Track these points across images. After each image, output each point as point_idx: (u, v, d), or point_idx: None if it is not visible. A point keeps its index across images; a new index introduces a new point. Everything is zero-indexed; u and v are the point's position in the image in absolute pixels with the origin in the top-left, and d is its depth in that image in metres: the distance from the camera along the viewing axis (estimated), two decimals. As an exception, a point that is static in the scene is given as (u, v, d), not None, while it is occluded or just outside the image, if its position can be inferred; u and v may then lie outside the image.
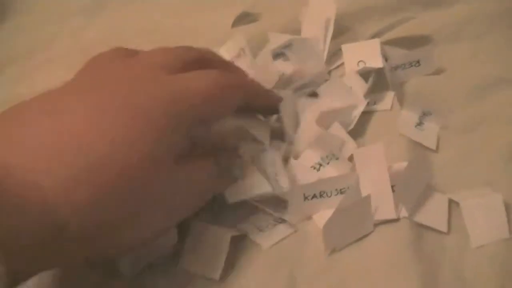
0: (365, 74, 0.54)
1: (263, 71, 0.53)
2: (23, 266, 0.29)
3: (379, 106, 0.54)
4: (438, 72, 0.56)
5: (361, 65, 0.53)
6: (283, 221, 0.47)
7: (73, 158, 0.33)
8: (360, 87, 0.52)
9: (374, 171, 0.47)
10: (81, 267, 0.42)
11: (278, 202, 0.47)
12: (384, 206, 0.46)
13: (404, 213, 0.46)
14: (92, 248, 0.35)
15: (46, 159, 0.32)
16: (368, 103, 0.52)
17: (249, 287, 0.44)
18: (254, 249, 0.46)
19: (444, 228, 0.46)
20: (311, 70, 0.54)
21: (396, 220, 0.46)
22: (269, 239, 0.46)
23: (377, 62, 0.53)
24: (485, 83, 0.55)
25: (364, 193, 0.46)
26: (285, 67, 0.55)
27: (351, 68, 0.54)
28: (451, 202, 0.48)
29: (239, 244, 0.46)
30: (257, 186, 0.46)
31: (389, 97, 0.54)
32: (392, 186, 0.47)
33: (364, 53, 0.54)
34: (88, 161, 0.33)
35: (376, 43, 0.55)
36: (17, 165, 0.31)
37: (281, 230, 0.46)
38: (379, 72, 0.54)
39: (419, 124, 0.51)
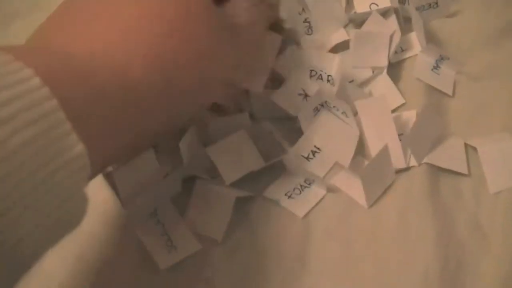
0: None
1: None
2: (99, 149, 0.29)
3: (408, 53, 0.52)
4: (456, 14, 0.54)
5: (374, 7, 0.51)
6: (309, 183, 0.46)
7: (138, 28, 0.32)
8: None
9: (379, 122, 0.46)
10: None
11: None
12: (393, 156, 0.45)
13: (414, 161, 0.46)
14: (160, 114, 0.35)
15: (117, 32, 0.32)
16: (396, 52, 0.51)
17: (261, 245, 0.44)
18: (263, 211, 0.45)
19: (464, 170, 0.46)
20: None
21: (410, 168, 0.46)
22: (303, 206, 0.45)
23: (387, 2, 0.51)
24: (504, 28, 0.53)
25: (370, 144, 0.46)
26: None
27: (362, 10, 0.52)
28: (467, 147, 0.47)
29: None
30: (251, 160, 0.45)
31: (415, 41, 0.52)
32: (400, 135, 0.46)
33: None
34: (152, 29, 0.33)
35: None
36: (87, 40, 0.31)
37: (313, 194, 0.46)
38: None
39: (436, 67, 0.50)
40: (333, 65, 0.48)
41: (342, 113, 0.45)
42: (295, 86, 0.46)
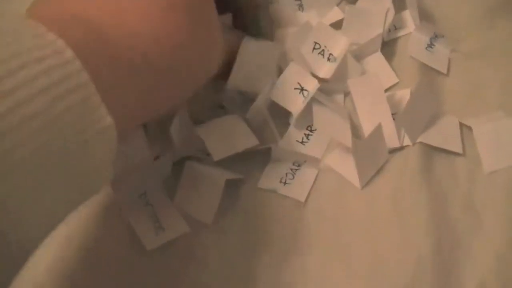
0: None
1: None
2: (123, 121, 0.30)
3: (401, 32, 0.51)
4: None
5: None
6: (298, 165, 0.45)
7: None
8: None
9: (371, 100, 0.45)
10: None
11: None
12: (386, 135, 0.44)
13: (408, 141, 0.45)
14: (169, 79, 0.34)
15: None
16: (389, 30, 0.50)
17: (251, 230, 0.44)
18: (254, 192, 0.45)
19: (459, 149, 0.45)
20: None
21: (404, 147, 0.45)
22: (301, 190, 0.44)
23: None
24: (499, 6, 0.52)
25: (363, 123, 0.45)
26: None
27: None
28: (462, 127, 0.46)
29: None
30: (243, 139, 0.44)
31: (409, 19, 0.51)
32: (394, 114, 0.45)
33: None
34: None
35: None
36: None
37: (306, 176, 0.45)
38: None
39: (430, 45, 0.49)
40: (338, 44, 0.47)
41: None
42: (291, 80, 0.45)
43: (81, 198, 0.28)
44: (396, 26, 0.51)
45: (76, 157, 0.25)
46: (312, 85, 0.44)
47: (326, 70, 0.46)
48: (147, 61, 0.31)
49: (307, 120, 0.45)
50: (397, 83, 0.48)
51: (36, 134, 0.23)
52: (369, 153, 0.44)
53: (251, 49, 0.43)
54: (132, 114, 0.31)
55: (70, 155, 0.25)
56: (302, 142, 0.44)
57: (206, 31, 0.36)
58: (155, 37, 0.32)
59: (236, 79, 0.43)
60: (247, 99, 0.45)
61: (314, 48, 0.47)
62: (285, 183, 0.44)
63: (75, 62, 0.25)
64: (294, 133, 0.45)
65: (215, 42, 0.37)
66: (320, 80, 0.46)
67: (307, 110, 0.44)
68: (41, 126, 0.23)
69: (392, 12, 0.49)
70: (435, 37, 0.49)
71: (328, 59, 0.47)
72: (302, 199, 0.44)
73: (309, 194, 0.44)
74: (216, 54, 0.38)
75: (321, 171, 0.45)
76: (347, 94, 0.47)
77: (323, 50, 0.47)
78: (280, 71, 0.45)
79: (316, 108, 0.44)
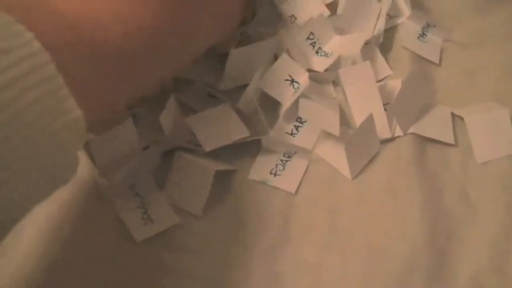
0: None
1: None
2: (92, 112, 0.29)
3: (394, 21, 0.51)
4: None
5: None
6: (288, 156, 0.45)
7: None
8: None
9: (363, 91, 0.45)
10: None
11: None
12: (378, 126, 0.44)
13: (399, 131, 0.45)
14: (146, 64, 0.35)
15: None
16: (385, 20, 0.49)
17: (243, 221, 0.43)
18: (245, 183, 0.44)
19: (451, 140, 0.45)
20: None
21: (396, 138, 0.45)
22: (292, 181, 0.44)
23: None
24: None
25: (354, 113, 0.45)
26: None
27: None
28: (454, 117, 0.46)
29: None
30: (234, 130, 0.44)
31: (401, 9, 0.51)
32: (386, 104, 0.45)
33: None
34: None
35: None
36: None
37: (297, 166, 0.44)
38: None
39: (422, 35, 0.49)
40: (331, 41, 0.47)
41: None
42: (282, 71, 0.44)
43: (49, 188, 0.27)
44: (390, 15, 0.50)
45: (44, 149, 0.25)
46: (303, 78, 0.44)
47: (320, 63, 0.46)
48: (120, 49, 0.31)
49: (297, 111, 0.44)
50: (390, 74, 0.48)
51: (4, 126, 0.23)
52: (360, 143, 0.43)
53: (241, 56, 0.43)
54: (111, 99, 0.32)
55: (38, 147, 0.25)
56: (292, 134, 0.44)
57: (188, 14, 0.36)
58: (126, 25, 0.32)
59: (227, 83, 0.43)
60: (238, 87, 0.45)
61: (308, 38, 0.46)
62: (275, 174, 0.44)
63: (43, 54, 0.25)
64: (284, 124, 0.44)
65: (200, 24, 0.37)
66: (310, 70, 0.46)
67: (297, 102, 0.44)
68: (9, 118, 0.23)
69: (388, 1, 0.49)
70: (427, 26, 0.49)
71: (317, 52, 0.47)
72: (293, 191, 0.43)
73: (300, 185, 0.44)
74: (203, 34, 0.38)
75: (311, 162, 0.44)
76: (338, 83, 0.46)
77: (315, 42, 0.47)
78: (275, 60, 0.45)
79: (302, 101, 0.43)
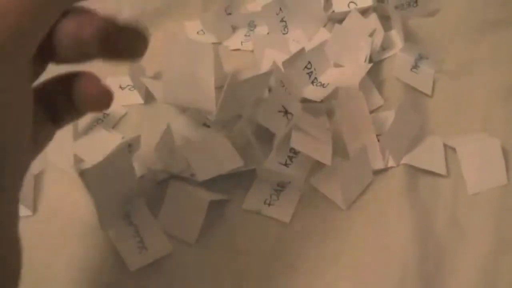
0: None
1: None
2: None
3: (387, 53, 0.52)
4: (435, 13, 0.54)
5: (352, 6, 0.51)
6: (282, 186, 0.45)
7: None
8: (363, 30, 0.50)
9: (356, 121, 0.45)
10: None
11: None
12: (371, 156, 0.44)
13: (392, 162, 0.45)
14: None
15: None
16: (378, 52, 0.51)
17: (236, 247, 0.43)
18: (238, 212, 0.45)
19: (443, 171, 0.45)
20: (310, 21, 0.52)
21: (389, 169, 0.45)
22: (286, 210, 0.44)
23: (366, 1, 0.51)
24: (482, 26, 0.53)
25: (348, 144, 0.45)
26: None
27: (341, 9, 0.52)
28: (446, 147, 0.46)
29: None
30: (228, 160, 0.44)
31: (394, 40, 0.52)
32: (378, 135, 0.45)
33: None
34: None
35: None
36: None
37: (290, 197, 0.45)
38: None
39: (415, 67, 0.50)
40: (326, 73, 0.48)
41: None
42: (276, 103, 0.45)
43: None
44: (383, 47, 0.51)
45: None
46: (296, 109, 0.44)
47: (315, 93, 0.47)
48: None
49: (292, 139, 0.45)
50: (382, 105, 0.48)
51: None
52: (354, 174, 0.44)
53: (236, 89, 0.43)
54: None
55: None
56: (285, 164, 0.45)
57: None
58: None
59: (221, 114, 0.44)
60: (232, 118, 0.46)
61: (305, 67, 0.47)
62: (269, 204, 0.44)
63: None
64: (278, 154, 0.45)
65: None
66: (305, 100, 0.46)
67: (291, 132, 0.44)
68: None
69: (381, 33, 0.50)
70: (420, 58, 0.50)
71: (312, 82, 0.47)
72: (287, 220, 0.44)
73: (293, 215, 0.44)
74: None
75: (305, 192, 0.45)
76: (331, 114, 0.47)
77: (311, 71, 0.47)
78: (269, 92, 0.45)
79: (295, 132, 0.44)
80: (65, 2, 0.28)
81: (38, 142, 0.31)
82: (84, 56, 0.30)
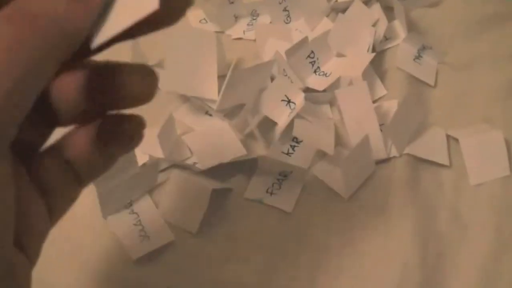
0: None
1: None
2: None
3: (390, 43, 0.51)
4: (437, 4, 0.53)
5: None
6: (284, 175, 0.45)
7: None
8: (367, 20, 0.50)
9: (359, 111, 0.45)
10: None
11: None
12: (373, 146, 0.44)
13: (395, 152, 0.45)
14: None
15: None
16: (381, 42, 0.51)
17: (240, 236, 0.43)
18: (241, 202, 0.45)
19: (445, 161, 0.45)
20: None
21: (391, 158, 0.45)
22: (288, 200, 0.44)
23: None
24: (485, 18, 0.52)
25: (350, 134, 0.45)
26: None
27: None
28: (449, 138, 0.46)
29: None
30: (231, 149, 0.44)
31: (397, 31, 0.52)
32: (381, 125, 0.45)
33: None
34: None
35: None
36: None
37: (293, 186, 0.45)
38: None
39: (418, 57, 0.49)
40: (329, 62, 0.48)
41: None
42: (278, 92, 0.45)
43: None
44: (386, 37, 0.51)
45: None
46: (299, 98, 0.44)
47: (318, 82, 0.47)
48: None
49: (295, 128, 0.45)
50: (385, 94, 0.48)
51: None
52: (356, 164, 0.43)
53: (239, 77, 0.43)
54: None
55: None
56: (288, 153, 0.44)
57: None
58: None
59: (224, 103, 0.43)
60: (235, 107, 0.45)
61: (308, 56, 0.47)
62: (271, 193, 0.44)
63: None
64: (280, 144, 0.45)
65: None
66: (308, 89, 0.46)
67: (293, 122, 0.44)
68: None
69: (384, 22, 0.50)
70: (423, 48, 0.50)
71: (315, 71, 0.47)
72: (289, 210, 0.44)
73: (296, 204, 0.44)
74: None
75: (307, 182, 0.45)
76: (334, 103, 0.47)
77: (314, 61, 0.47)
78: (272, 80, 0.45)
79: (297, 121, 0.44)
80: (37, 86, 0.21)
81: (55, 211, 0.26)
82: (90, 113, 0.25)
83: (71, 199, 0.27)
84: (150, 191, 0.44)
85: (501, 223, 0.43)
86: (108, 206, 0.42)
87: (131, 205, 0.43)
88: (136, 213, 0.43)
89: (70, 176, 0.26)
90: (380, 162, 0.45)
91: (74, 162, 0.25)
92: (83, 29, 0.21)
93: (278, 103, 0.44)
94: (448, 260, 0.42)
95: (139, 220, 0.43)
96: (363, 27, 0.49)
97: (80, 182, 0.27)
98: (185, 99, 0.47)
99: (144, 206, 0.43)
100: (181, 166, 0.44)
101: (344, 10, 0.50)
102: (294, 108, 0.44)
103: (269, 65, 0.45)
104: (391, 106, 0.47)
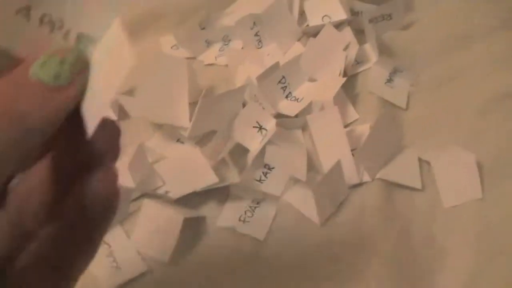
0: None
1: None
2: None
3: (362, 66, 0.51)
4: (409, 27, 0.54)
5: (326, 20, 0.51)
6: (257, 202, 0.45)
7: None
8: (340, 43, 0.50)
9: (331, 136, 0.45)
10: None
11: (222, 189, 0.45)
12: (346, 171, 0.44)
13: (367, 177, 0.45)
14: None
15: None
16: (352, 65, 0.50)
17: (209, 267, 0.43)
18: (211, 231, 0.44)
19: (418, 185, 0.45)
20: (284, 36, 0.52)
21: (364, 183, 0.45)
22: (261, 228, 0.44)
23: (340, 15, 0.51)
24: (456, 39, 0.53)
25: (323, 159, 0.45)
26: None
27: (315, 23, 0.52)
28: (422, 161, 0.46)
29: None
30: (203, 177, 0.44)
31: (369, 54, 0.52)
32: (354, 150, 0.45)
33: (327, 8, 0.52)
34: None
35: None
36: None
37: (265, 213, 0.44)
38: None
39: (389, 80, 0.49)
40: (301, 87, 0.48)
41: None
42: (250, 118, 0.45)
43: None
44: (357, 60, 0.51)
45: None
46: (270, 124, 0.44)
47: (290, 107, 0.47)
48: None
49: (267, 154, 0.45)
50: (357, 119, 0.48)
51: None
52: (329, 189, 0.43)
53: (211, 104, 0.43)
54: None
55: None
56: (260, 180, 0.44)
57: None
58: None
59: (196, 130, 0.43)
60: (207, 134, 0.45)
61: (280, 81, 0.47)
62: (244, 221, 0.44)
63: None
64: (253, 171, 0.44)
65: None
66: (280, 115, 0.46)
67: (265, 148, 0.44)
68: None
69: (356, 46, 0.50)
70: (395, 71, 0.50)
71: (287, 96, 0.47)
72: (262, 237, 0.43)
73: (268, 231, 0.44)
74: None
75: (280, 208, 0.44)
76: (306, 128, 0.47)
77: (286, 86, 0.47)
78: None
79: (269, 148, 0.43)
80: None
81: None
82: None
83: None
84: (121, 221, 0.43)
85: (477, 246, 0.43)
86: None
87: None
88: (107, 243, 0.42)
89: None
90: (353, 187, 0.45)
91: None
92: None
93: (250, 129, 0.44)
94: (425, 284, 0.42)
95: (111, 251, 0.42)
96: (334, 51, 0.49)
97: None
98: (157, 126, 0.47)
99: (116, 236, 0.43)
100: (153, 195, 0.44)
101: (315, 34, 0.50)
102: (265, 134, 0.44)
103: (241, 91, 0.45)
104: (364, 130, 0.47)
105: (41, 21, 0.22)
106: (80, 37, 0.23)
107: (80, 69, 0.22)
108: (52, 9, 0.23)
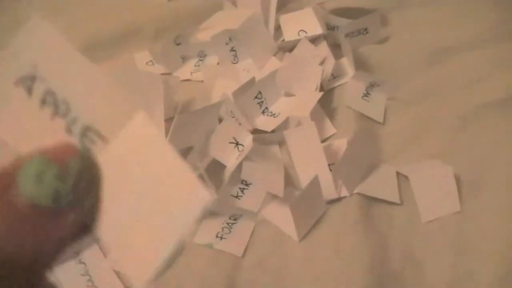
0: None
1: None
2: None
3: (339, 81, 0.51)
4: (385, 41, 0.54)
5: (302, 34, 0.51)
6: (234, 218, 0.44)
7: None
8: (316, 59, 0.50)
9: (308, 152, 0.45)
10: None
11: None
12: (324, 187, 0.44)
13: (345, 192, 0.45)
14: None
15: None
16: (329, 80, 0.50)
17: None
18: (189, 248, 0.43)
19: (396, 199, 0.45)
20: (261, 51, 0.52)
21: (342, 198, 0.45)
22: (238, 244, 0.43)
23: (316, 29, 0.51)
24: (433, 52, 0.53)
25: (300, 174, 0.45)
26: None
27: (291, 38, 0.52)
28: (399, 175, 0.46)
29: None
30: None
31: (346, 68, 0.52)
32: (331, 165, 0.45)
33: (302, 23, 0.52)
34: None
35: (310, 11, 0.52)
36: None
37: (243, 229, 0.44)
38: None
39: (366, 95, 0.49)
40: (278, 102, 0.47)
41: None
42: (226, 134, 0.44)
43: None
44: (334, 75, 0.51)
45: None
46: (247, 140, 0.44)
47: (266, 123, 0.46)
48: None
49: (244, 171, 0.44)
50: (335, 133, 0.48)
51: None
52: (306, 204, 0.43)
53: (186, 120, 0.43)
54: None
55: None
56: (237, 196, 0.44)
57: None
58: None
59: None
60: (183, 150, 0.45)
61: (256, 97, 0.47)
62: (221, 237, 0.43)
63: None
64: (230, 187, 0.44)
65: None
66: (256, 130, 0.46)
67: (242, 164, 0.44)
68: None
69: (332, 61, 0.50)
70: (371, 86, 0.50)
71: (263, 111, 0.47)
72: (240, 254, 0.43)
73: (246, 247, 0.43)
74: None
75: (258, 224, 0.44)
76: (283, 144, 0.46)
77: (262, 101, 0.47)
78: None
79: (246, 164, 0.43)
80: None
81: None
82: None
83: None
84: (97, 240, 0.43)
85: (455, 260, 0.43)
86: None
87: (78, 254, 0.42)
88: (83, 262, 0.42)
89: None
90: (331, 202, 0.45)
91: None
92: None
93: (226, 145, 0.44)
94: None
95: (87, 270, 0.41)
96: (310, 65, 0.49)
97: None
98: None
99: (92, 255, 0.42)
100: None
101: (291, 49, 0.50)
102: (242, 150, 0.43)
103: (216, 107, 0.44)
104: (341, 145, 0.46)
105: (44, 101, 0.18)
106: (86, 131, 0.18)
107: (87, 183, 0.17)
108: (58, 86, 0.18)
